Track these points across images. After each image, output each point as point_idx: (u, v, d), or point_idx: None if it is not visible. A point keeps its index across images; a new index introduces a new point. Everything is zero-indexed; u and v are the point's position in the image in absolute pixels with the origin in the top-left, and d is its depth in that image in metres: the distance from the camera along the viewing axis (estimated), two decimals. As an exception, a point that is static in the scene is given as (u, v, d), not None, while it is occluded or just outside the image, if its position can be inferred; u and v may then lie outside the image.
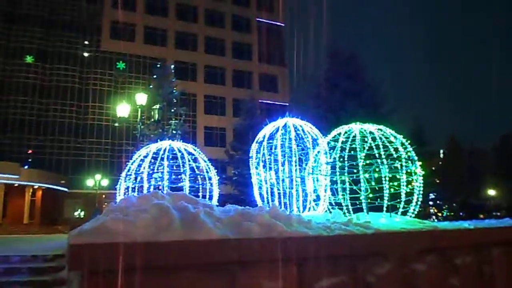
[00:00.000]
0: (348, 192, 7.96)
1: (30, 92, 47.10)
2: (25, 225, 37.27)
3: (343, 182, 7.95)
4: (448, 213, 33.33)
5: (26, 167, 39.93)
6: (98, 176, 41.40)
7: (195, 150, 9.94)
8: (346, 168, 8.01)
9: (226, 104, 54.68)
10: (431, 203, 31.72)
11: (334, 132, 8.42)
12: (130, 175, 9.43)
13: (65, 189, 44.26)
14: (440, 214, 32.09)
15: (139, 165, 9.41)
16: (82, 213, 45.17)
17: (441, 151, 40.76)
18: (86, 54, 49.99)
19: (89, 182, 43.41)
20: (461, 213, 32.73)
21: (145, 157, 9.37)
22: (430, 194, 31.01)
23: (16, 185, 38.09)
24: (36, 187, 40.82)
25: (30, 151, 44.64)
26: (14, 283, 8.80)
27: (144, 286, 4.20)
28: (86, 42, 50.26)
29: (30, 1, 48.55)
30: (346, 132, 8.18)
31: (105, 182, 41.81)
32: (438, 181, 30.85)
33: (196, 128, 52.20)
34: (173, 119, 22.83)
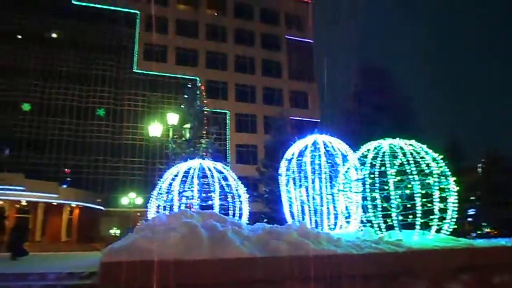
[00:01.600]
0: (379, 209, 7.81)
1: (68, 114, 48.90)
2: (63, 242, 38.22)
3: (373, 199, 7.82)
4: (490, 230, 31.98)
5: (64, 186, 41.23)
6: (132, 195, 42.21)
7: (224, 168, 10.04)
8: (377, 184, 7.88)
9: (257, 122, 54.95)
10: (469, 219, 30.59)
11: (363, 148, 8.32)
12: (161, 193, 9.60)
13: (101, 208, 45.28)
14: (479, 231, 30.83)
15: (170, 184, 9.57)
16: (118, 231, 45.99)
17: (479, 165, 39.41)
18: (120, 76, 51.60)
19: (124, 201, 44.27)
20: (505, 231, 31.33)
21: (176, 175, 9.53)
22: (469, 211, 29.93)
23: (54, 203, 39.28)
24: (73, 205, 41.94)
25: (67, 171, 46.08)
26: (50, 300, 9.02)
27: (173, 304, 4.25)
28: (120, 65, 51.93)
29: (66, 27, 50.81)
30: (375, 148, 8.06)
31: (139, 201, 42.55)
32: (476, 197, 29.76)
33: (228, 146, 52.61)
34: (204, 137, 23.15)
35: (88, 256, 18.74)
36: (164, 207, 9.63)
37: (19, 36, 49.05)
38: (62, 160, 46.99)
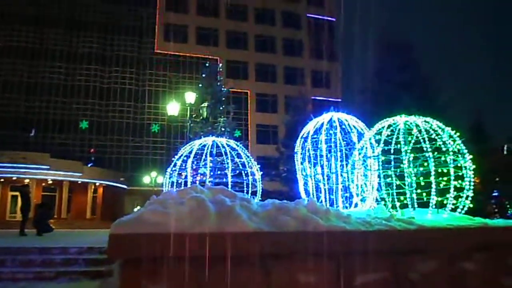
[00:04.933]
0: (393, 187, 7.70)
1: (91, 95, 49.71)
2: (88, 220, 39.41)
3: (387, 177, 7.71)
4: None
5: (88, 165, 42.24)
6: (154, 174, 42.93)
7: (237, 145, 10.05)
8: (392, 162, 7.75)
9: (278, 102, 54.73)
10: (493, 200, 29.99)
11: (377, 126, 8.17)
12: (175, 170, 9.73)
13: (125, 186, 46.29)
14: (500, 213, 30.21)
15: (184, 161, 9.67)
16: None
17: (505, 146, 38.39)
18: (141, 57, 51.94)
19: (146, 179, 45.11)
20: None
21: (190, 153, 9.62)
22: (493, 192, 29.32)
23: (79, 182, 40.36)
24: (97, 184, 43.01)
25: (91, 150, 47.11)
26: (71, 273, 9.37)
27: (179, 276, 4.32)
28: (141, 45, 52.21)
29: (88, 8, 51.19)
30: (390, 126, 7.91)
31: (161, 179, 43.26)
32: (500, 178, 29.10)
33: (248, 125, 52.68)
34: (222, 116, 23.24)
35: (110, 233, 19.36)
36: (179, 183, 9.77)
37: (40, 19, 49.70)
38: (86, 140, 48.05)
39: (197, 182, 9.57)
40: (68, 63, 49.70)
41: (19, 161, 36.08)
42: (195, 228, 4.58)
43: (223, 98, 24.60)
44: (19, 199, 22.21)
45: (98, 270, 9.28)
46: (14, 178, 36.69)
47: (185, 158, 9.64)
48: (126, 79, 51.18)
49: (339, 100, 54.04)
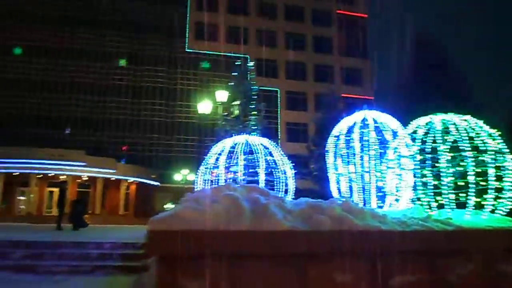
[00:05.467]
0: (430, 187, 7.52)
1: (123, 94, 50.71)
2: (121, 216, 40.25)
3: (424, 176, 7.53)
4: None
5: (122, 162, 43.16)
6: (185, 171, 43.43)
7: (270, 144, 10.05)
8: (428, 162, 7.57)
9: (308, 99, 54.33)
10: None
11: (413, 124, 8.00)
12: (208, 168, 9.81)
13: (157, 183, 47.02)
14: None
15: (217, 159, 9.74)
16: (172, 206, 47.42)
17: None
18: (173, 56, 52.58)
19: (177, 177, 45.70)
20: None
21: (222, 151, 9.68)
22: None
23: (113, 179, 41.27)
24: (130, 181, 43.85)
25: (124, 148, 48.06)
26: (107, 267, 9.59)
27: (213, 272, 4.37)
28: (172, 44, 52.84)
29: (120, 8, 52.13)
30: (427, 124, 7.73)
31: (191, 177, 43.68)
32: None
33: (278, 124, 52.56)
34: (253, 115, 23.24)
35: (143, 229, 19.61)
36: (211, 181, 9.84)
37: (71, 18, 50.78)
38: (119, 138, 49.09)
39: (229, 180, 9.61)
40: (100, 62, 50.85)
41: (56, 158, 37.24)
42: (230, 225, 4.62)
43: (254, 96, 24.61)
44: (55, 194, 22.97)
45: (133, 265, 9.44)
46: (51, 175, 37.90)
47: (217, 156, 9.71)
48: (158, 77, 51.99)
49: (371, 98, 53.08)
